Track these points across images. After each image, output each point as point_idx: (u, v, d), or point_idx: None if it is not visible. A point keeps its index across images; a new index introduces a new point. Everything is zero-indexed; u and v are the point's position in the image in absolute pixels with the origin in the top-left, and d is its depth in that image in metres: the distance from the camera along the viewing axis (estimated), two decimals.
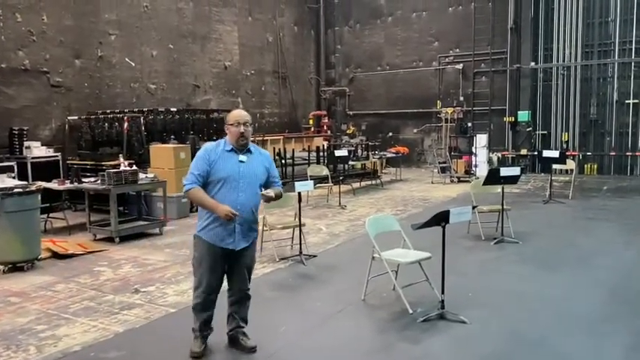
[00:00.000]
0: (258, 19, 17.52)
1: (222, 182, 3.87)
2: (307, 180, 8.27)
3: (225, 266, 4.01)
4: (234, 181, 3.86)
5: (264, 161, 4.06)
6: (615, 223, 8.87)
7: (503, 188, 7.58)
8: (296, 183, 6.76)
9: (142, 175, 8.60)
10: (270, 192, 3.95)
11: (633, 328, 4.48)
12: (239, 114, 4.00)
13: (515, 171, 7.71)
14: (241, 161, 3.92)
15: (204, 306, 4.01)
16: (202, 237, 3.95)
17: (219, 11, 15.95)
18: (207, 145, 4.06)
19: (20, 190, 6.52)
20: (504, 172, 7.54)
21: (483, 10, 17.03)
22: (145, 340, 4.44)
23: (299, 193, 6.71)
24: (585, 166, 15.70)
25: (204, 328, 4.08)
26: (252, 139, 4.16)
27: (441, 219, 4.48)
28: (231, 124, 3.94)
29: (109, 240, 7.91)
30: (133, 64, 13.38)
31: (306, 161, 13.90)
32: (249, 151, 3.99)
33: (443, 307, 4.66)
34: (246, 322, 4.18)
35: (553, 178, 11.46)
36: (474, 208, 5.50)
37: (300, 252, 6.69)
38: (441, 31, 18.15)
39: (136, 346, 4.30)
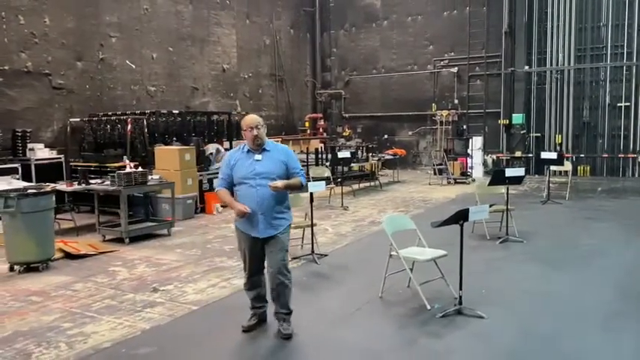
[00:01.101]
0: (256, 22, 17.64)
1: (241, 181, 4.32)
2: (310, 181, 8.35)
3: (264, 252, 4.35)
4: (250, 179, 4.27)
5: (279, 155, 4.39)
6: (614, 222, 9.09)
7: (508, 189, 7.77)
8: (309, 183, 6.85)
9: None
10: (278, 182, 4.22)
11: None
12: (249, 119, 4.37)
13: (519, 172, 7.90)
14: (257, 160, 4.31)
15: (249, 286, 4.52)
16: (238, 226, 4.41)
17: (217, 14, 16.03)
18: (230, 151, 4.68)
19: (35, 191, 6.56)
20: (509, 172, 7.72)
21: (478, 14, 17.29)
22: (172, 336, 4.52)
23: (311, 194, 6.83)
24: (578, 167, 15.98)
25: (255, 305, 4.57)
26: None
27: (460, 217, 4.61)
28: (245, 130, 4.34)
29: (119, 241, 7.97)
30: (134, 67, 13.42)
31: (304, 163, 14.01)
32: (265, 149, 4.34)
33: (460, 303, 4.81)
34: (288, 309, 4.42)
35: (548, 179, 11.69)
36: (490, 206, 5.64)
37: (312, 251, 6.81)
38: (436, 35, 18.38)
39: (163, 342, 4.39)
